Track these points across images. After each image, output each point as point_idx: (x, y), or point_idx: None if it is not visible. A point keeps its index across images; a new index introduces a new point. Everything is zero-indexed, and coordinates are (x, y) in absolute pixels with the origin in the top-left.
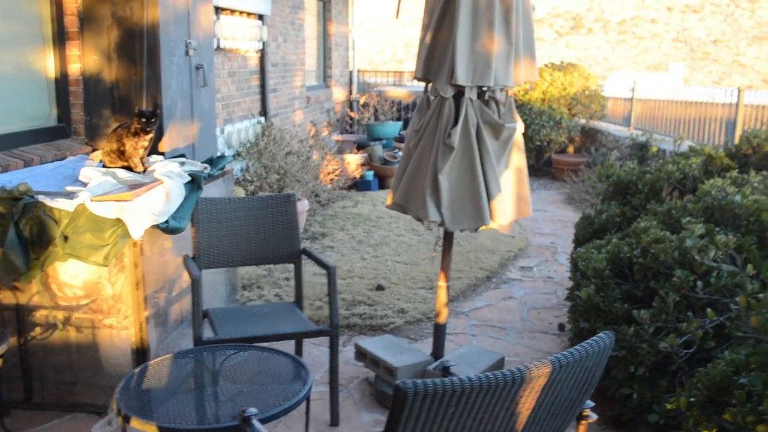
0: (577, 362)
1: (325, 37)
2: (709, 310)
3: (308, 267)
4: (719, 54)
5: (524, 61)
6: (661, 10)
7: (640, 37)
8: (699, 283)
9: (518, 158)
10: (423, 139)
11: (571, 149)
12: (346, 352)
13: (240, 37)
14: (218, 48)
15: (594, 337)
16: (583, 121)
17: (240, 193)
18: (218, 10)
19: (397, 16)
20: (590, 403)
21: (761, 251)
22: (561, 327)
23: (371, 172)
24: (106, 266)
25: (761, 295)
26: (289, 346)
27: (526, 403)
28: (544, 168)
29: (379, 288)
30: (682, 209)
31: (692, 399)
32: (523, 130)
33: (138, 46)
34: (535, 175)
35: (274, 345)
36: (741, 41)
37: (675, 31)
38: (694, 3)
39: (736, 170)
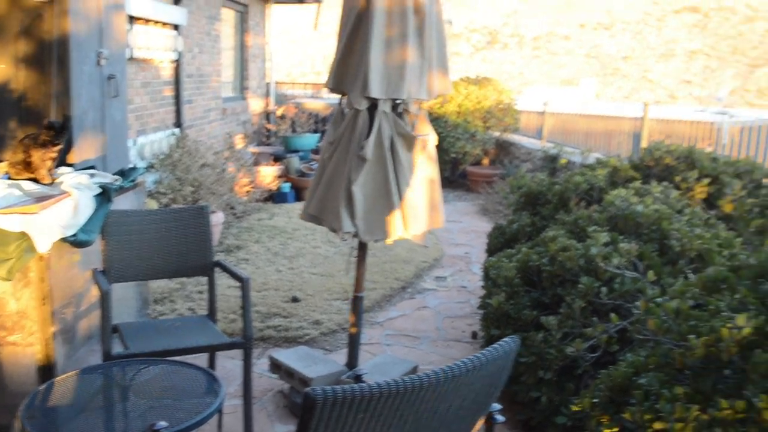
0: (483, 366)
1: (242, 48)
2: (613, 314)
3: (223, 280)
4: (629, 70)
5: (438, 74)
6: (574, 27)
7: (553, 53)
8: (603, 289)
9: (431, 170)
10: (337, 151)
11: (485, 161)
12: (261, 365)
13: (154, 47)
14: (131, 58)
15: (499, 342)
16: (497, 133)
17: (152, 205)
18: (132, 19)
19: (315, 28)
20: (497, 406)
21: (662, 258)
22: (474, 335)
23: (288, 185)
24: (10, 281)
25: (660, 300)
26: (202, 360)
27: (434, 407)
28: (459, 180)
29: (295, 300)
30: (588, 219)
31: (595, 400)
32: (436, 142)
33: (47, 56)
34: (451, 187)
35: (187, 359)
36: (649, 58)
37: (587, 48)
38: (606, 21)
39: (640, 181)
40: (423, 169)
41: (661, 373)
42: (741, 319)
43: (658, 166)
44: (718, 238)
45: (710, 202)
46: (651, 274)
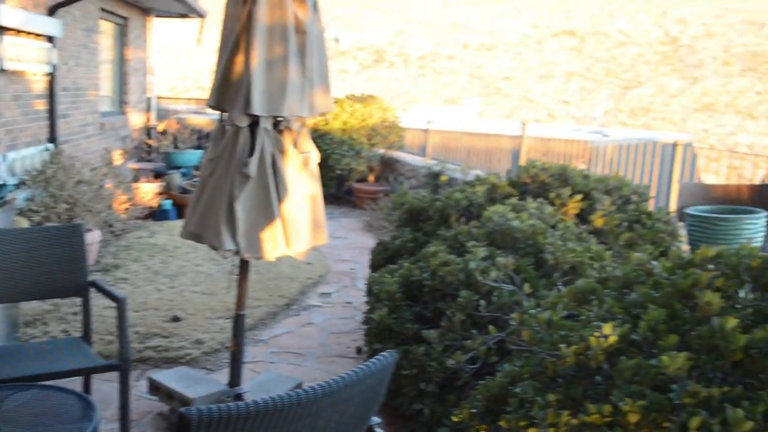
0: (360, 380)
1: (122, 61)
2: (491, 326)
3: (100, 300)
4: (510, 90)
5: (319, 92)
6: (458, 47)
7: (438, 72)
8: (482, 302)
9: (313, 186)
10: (218, 168)
11: (371, 178)
12: (140, 387)
13: (26, 59)
14: (1, 70)
15: (377, 356)
16: (382, 150)
17: (23, 223)
18: (2, 30)
19: (199, 44)
20: (377, 420)
21: (537, 271)
22: (358, 350)
23: (169, 202)
24: None
25: (533, 311)
26: (77, 384)
27: (313, 423)
28: (345, 196)
29: (175, 319)
30: (467, 234)
31: (474, 410)
32: (318, 159)
33: None
34: (337, 204)
35: (60, 383)
36: (529, 78)
37: (470, 67)
38: (488, 41)
39: (517, 198)
40: (305, 186)
41: (535, 382)
42: (607, 328)
43: (534, 183)
44: (589, 252)
45: (583, 217)
46: (527, 287)
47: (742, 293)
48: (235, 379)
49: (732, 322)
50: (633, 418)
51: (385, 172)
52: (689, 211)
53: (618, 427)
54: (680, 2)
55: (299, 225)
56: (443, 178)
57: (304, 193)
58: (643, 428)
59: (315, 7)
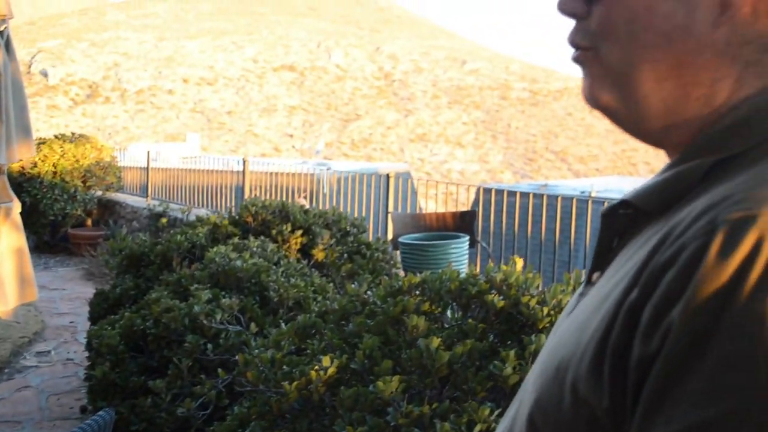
0: None
1: None
2: (220, 370)
3: None
4: (234, 124)
5: (18, 138)
6: (178, 82)
7: (158, 107)
8: (209, 346)
9: (16, 239)
10: None
11: (89, 222)
12: None
13: None
14: None
15: (93, 417)
16: (99, 193)
17: None
18: None
19: None
20: None
21: (263, 309)
22: (83, 409)
23: None
24: None
25: (257, 351)
26: None
27: None
28: (60, 243)
29: None
30: (191, 277)
31: None
32: (20, 209)
33: None
34: (51, 252)
35: None
36: (253, 112)
37: (192, 102)
38: (209, 76)
39: (239, 236)
40: (6, 240)
41: (263, 422)
42: (326, 360)
43: (256, 221)
44: (312, 286)
45: (305, 251)
46: (253, 326)
47: (449, 314)
48: None
49: (435, 342)
50: None
51: (105, 215)
52: (401, 239)
53: None
54: (391, 39)
55: (3, 283)
56: (163, 220)
57: (7, 247)
58: None
59: (8, 46)
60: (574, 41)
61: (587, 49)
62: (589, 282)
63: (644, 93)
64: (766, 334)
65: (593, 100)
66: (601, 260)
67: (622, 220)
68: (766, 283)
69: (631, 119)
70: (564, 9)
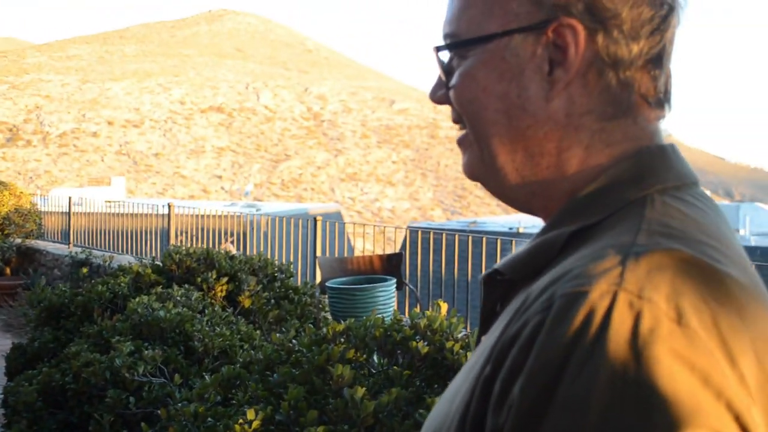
0: None
1: None
2: (143, 424)
3: None
4: (162, 166)
5: None
6: (102, 124)
7: (82, 150)
8: (132, 400)
9: None
10: None
11: (7, 271)
12: None
13: None
14: None
15: None
16: (18, 240)
17: None
18: None
19: None
20: None
21: (187, 359)
22: None
23: None
24: None
25: (180, 404)
26: None
27: None
28: None
29: None
30: (112, 329)
31: None
32: None
33: None
34: None
35: None
36: (180, 154)
37: (118, 144)
38: (134, 118)
39: (163, 285)
40: None
41: None
42: (251, 413)
43: (180, 269)
44: (239, 334)
45: (231, 298)
46: (177, 378)
47: (375, 359)
48: None
49: (360, 391)
50: None
51: (24, 263)
52: (329, 284)
53: None
54: (319, 80)
55: None
56: (84, 270)
57: None
58: None
59: None
60: (453, 119)
61: (458, 125)
62: (478, 344)
63: (500, 163)
64: (593, 410)
65: (469, 173)
66: (487, 324)
67: (500, 285)
68: (593, 361)
69: (497, 188)
70: (434, 98)
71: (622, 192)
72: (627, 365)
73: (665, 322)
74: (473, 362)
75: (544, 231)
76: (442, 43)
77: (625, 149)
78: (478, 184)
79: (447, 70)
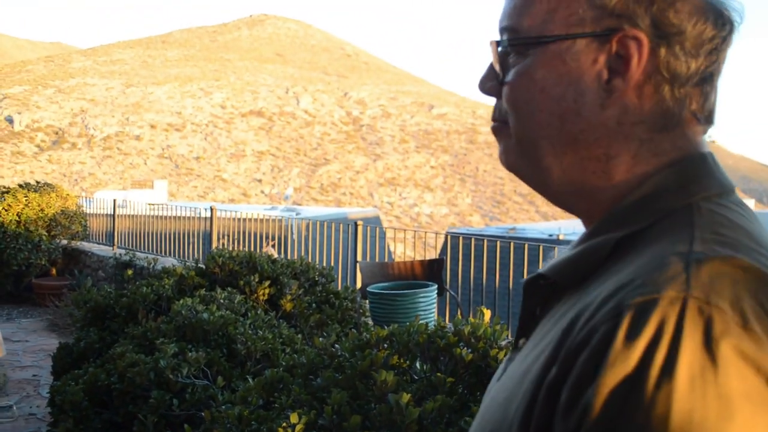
0: None
1: None
2: (186, 425)
3: None
4: (202, 170)
5: None
6: (145, 128)
7: (126, 153)
8: (175, 401)
9: None
10: None
11: (53, 272)
12: None
13: None
14: None
15: None
16: (65, 241)
17: None
18: None
19: None
20: None
21: (230, 362)
22: None
23: None
24: None
25: (224, 407)
26: None
27: None
28: (24, 294)
29: None
30: (156, 330)
31: None
32: None
33: None
34: (15, 302)
35: None
36: (221, 158)
37: (160, 148)
38: (176, 122)
39: (206, 288)
40: None
41: None
42: (294, 417)
43: (223, 272)
44: (281, 337)
45: (273, 302)
46: (220, 380)
47: (418, 365)
48: None
49: (405, 398)
50: None
51: (70, 264)
52: (369, 289)
53: None
54: (358, 85)
55: None
56: (129, 272)
57: None
58: None
59: None
60: (492, 116)
61: (500, 122)
62: (516, 347)
63: (547, 164)
64: (675, 416)
65: (507, 165)
66: (526, 327)
67: (542, 290)
68: (671, 365)
69: (540, 184)
70: (483, 89)
71: (667, 200)
72: (705, 367)
73: (733, 326)
74: (527, 367)
75: (588, 236)
76: (498, 35)
77: (671, 159)
78: (517, 190)
79: (502, 63)
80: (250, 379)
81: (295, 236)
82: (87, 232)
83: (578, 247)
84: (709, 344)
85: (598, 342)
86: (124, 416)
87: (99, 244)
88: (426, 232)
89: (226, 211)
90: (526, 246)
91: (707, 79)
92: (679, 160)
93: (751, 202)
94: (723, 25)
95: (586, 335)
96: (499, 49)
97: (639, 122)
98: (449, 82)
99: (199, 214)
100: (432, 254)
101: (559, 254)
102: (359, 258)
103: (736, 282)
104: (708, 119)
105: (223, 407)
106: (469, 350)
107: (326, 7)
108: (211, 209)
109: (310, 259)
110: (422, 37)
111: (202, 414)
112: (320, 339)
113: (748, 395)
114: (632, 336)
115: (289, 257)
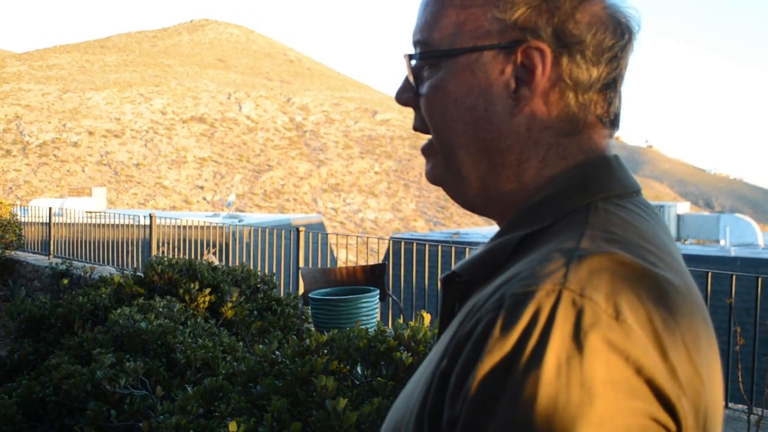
0: None
1: None
2: None
3: None
4: (143, 177)
5: None
6: (83, 134)
7: (63, 161)
8: (113, 412)
9: None
10: None
11: None
12: None
13: None
14: None
15: None
16: None
17: None
18: None
19: None
20: None
21: (169, 371)
22: None
23: None
24: None
25: (162, 417)
26: None
27: None
28: None
29: None
30: (93, 341)
31: None
32: None
33: None
34: None
35: None
36: (162, 165)
37: (98, 155)
38: (115, 128)
39: (144, 296)
40: None
41: None
42: (233, 425)
43: (162, 280)
44: (221, 345)
45: (214, 310)
46: (159, 390)
47: (359, 369)
48: None
49: (342, 402)
50: None
51: (4, 274)
52: (312, 295)
53: None
54: (301, 91)
55: None
56: (65, 281)
57: None
58: None
59: None
60: (414, 125)
61: (420, 132)
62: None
63: (465, 173)
64: (541, 401)
65: (433, 179)
66: (446, 323)
67: (458, 287)
68: (540, 353)
69: (459, 194)
70: (400, 100)
71: (568, 199)
72: (571, 355)
73: (604, 317)
74: (431, 358)
75: (497, 236)
76: (412, 48)
77: (577, 162)
78: None
79: (416, 75)
80: (189, 388)
81: (237, 243)
82: (22, 242)
83: (488, 245)
84: (578, 334)
85: (480, 331)
86: (60, 429)
87: (35, 253)
88: (369, 238)
89: (166, 218)
90: (467, 250)
91: (610, 85)
92: (583, 163)
93: (686, 205)
94: (622, 34)
95: (473, 325)
96: (413, 62)
97: (546, 128)
98: (393, 88)
99: (139, 221)
100: (376, 260)
101: (471, 253)
102: (302, 264)
103: (616, 276)
104: (613, 123)
105: (162, 417)
106: (410, 354)
107: (269, 13)
108: (151, 217)
109: (252, 266)
110: (366, 43)
111: (141, 425)
112: (261, 346)
113: (613, 383)
114: (509, 325)
115: (231, 265)
